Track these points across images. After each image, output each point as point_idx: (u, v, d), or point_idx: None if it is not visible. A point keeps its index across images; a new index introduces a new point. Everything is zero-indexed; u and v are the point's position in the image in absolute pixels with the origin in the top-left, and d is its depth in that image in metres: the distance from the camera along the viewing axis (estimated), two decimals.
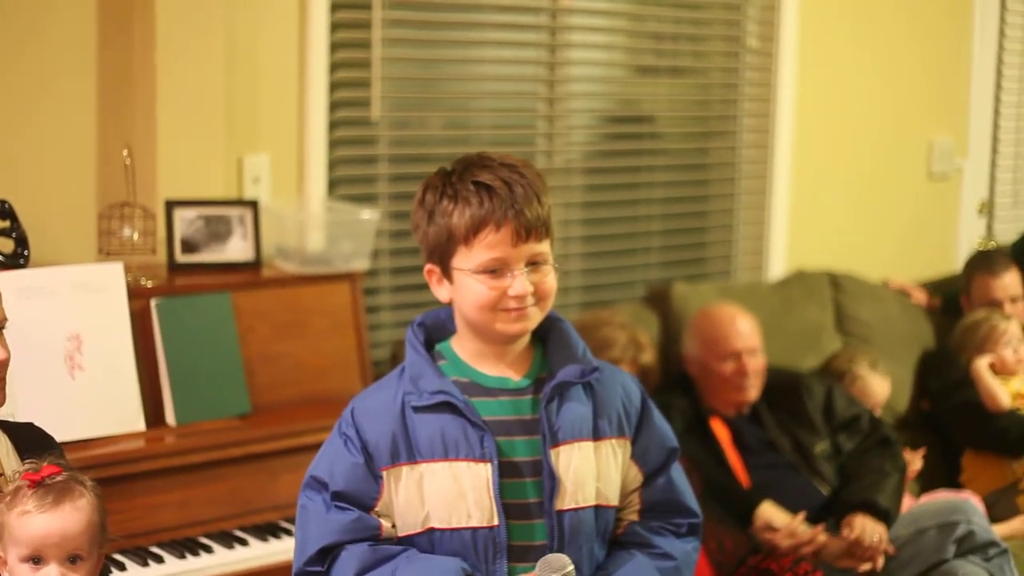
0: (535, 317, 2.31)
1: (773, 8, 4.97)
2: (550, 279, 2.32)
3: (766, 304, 4.56)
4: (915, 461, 4.14)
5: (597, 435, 2.36)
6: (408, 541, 2.30)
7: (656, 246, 4.86)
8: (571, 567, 2.23)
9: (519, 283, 2.27)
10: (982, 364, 4.49)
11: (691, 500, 2.49)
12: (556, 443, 2.30)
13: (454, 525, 2.27)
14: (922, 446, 4.42)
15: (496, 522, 2.27)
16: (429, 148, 4.27)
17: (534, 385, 2.34)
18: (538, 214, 2.28)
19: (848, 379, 4.40)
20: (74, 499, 2.27)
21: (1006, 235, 5.80)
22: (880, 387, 4.43)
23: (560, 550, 2.29)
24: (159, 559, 3.03)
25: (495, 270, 2.27)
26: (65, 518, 2.24)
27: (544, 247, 2.31)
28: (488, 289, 2.27)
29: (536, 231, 2.28)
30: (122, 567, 2.98)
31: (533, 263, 2.29)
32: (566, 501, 2.30)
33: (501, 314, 2.28)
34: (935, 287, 5.19)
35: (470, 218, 2.26)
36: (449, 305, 2.37)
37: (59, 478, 2.29)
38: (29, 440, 2.50)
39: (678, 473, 2.48)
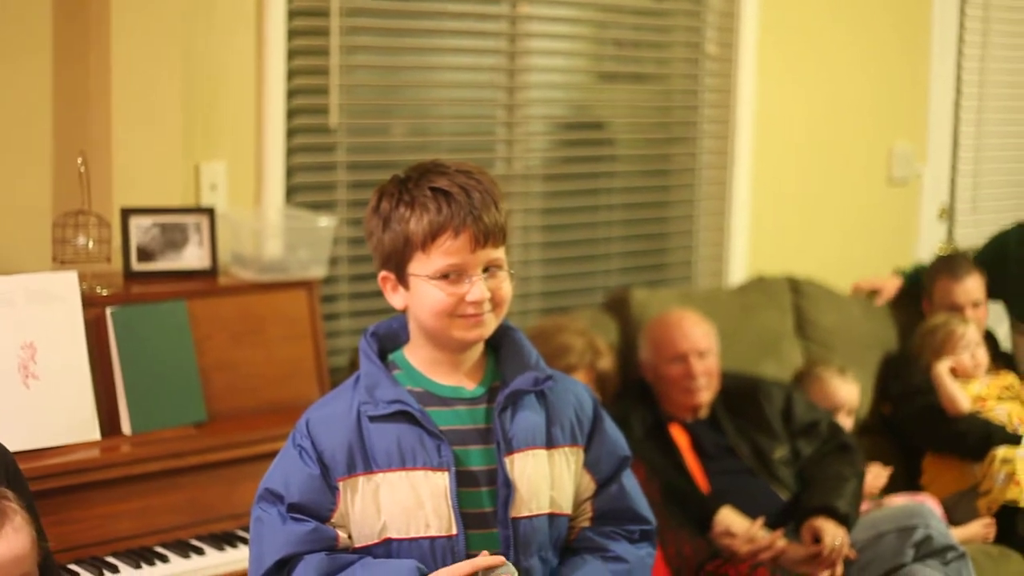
0: (491, 324, 2.31)
1: (732, 15, 4.98)
2: (506, 285, 2.32)
3: (726, 310, 4.57)
4: (881, 476, 4.15)
5: (550, 443, 2.35)
6: (365, 552, 2.28)
7: (617, 252, 4.85)
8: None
9: (477, 289, 2.26)
10: (943, 368, 4.51)
11: (643, 508, 2.48)
12: (511, 451, 2.30)
13: (412, 535, 2.26)
14: (883, 449, 4.44)
15: (455, 531, 2.26)
16: (388, 155, 4.25)
17: (488, 394, 2.34)
18: (495, 220, 2.28)
19: (808, 380, 4.42)
20: (11, 519, 2.20)
21: (966, 240, 5.83)
22: (844, 391, 4.43)
23: (516, 559, 2.28)
24: (114, 569, 2.99)
25: (452, 276, 2.26)
26: (12, 543, 2.18)
27: (501, 253, 2.31)
28: (445, 295, 2.26)
29: (494, 237, 2.28)
30: None
31: (489, 269, 2.29)
32: (521, 509, 2.29)
33: (458, 320, 2.28)
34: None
35: (428, 224, 2.26)
36: (403, 313, 2.36)
37: None
38: None
39: (630, 481, 2.48)
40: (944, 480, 4.44)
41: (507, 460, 2.29)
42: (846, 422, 4.36)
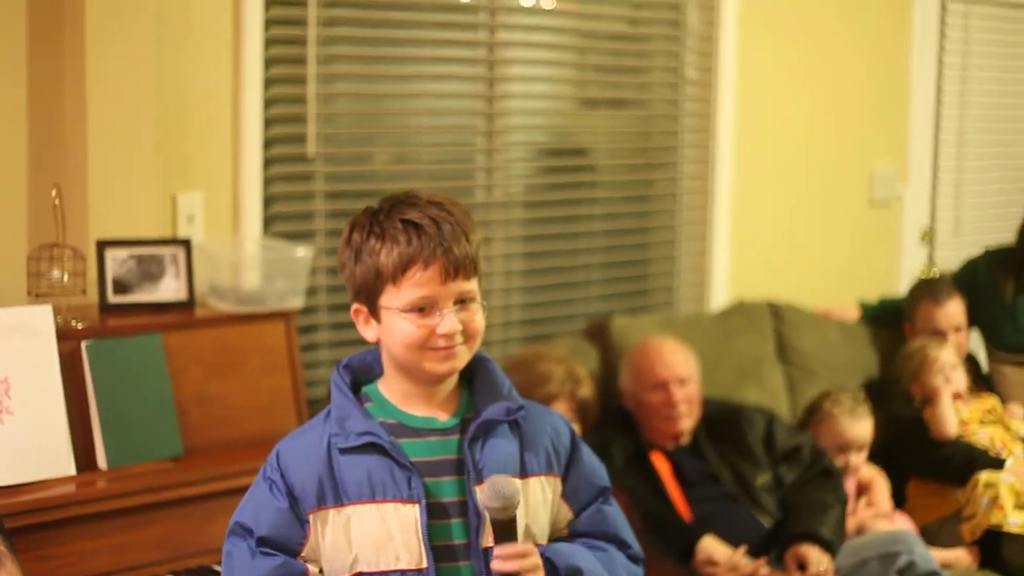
0: (463, 356, 2.29)
1: (711, 39, 4.98)
2: (478, 318, 2.30)
3: (707, 335, 4.55)
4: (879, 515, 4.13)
5: (524, 472, 2.33)
6: None
7: (598, 279, 4.84)
8: (519, 497, 2.20)
9: (448, 321, 2.25)
10: (946, 391, 4.48)
11: (627, 534, 2.45)
12: (480, 480, 2.27)
13: (382, 568, 2.24)
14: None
15: (425, 565, 2.23)
16: (366, 184, 4.24)
17: (461, 425, 2.32)
18: (466, 252, 2.27)
19: (818, 416, 4.35)
20: (3, 565, 2.17)
21: (947, 263, 5.83)
22: (855, 431, 4.30)
23: None
24: None
25: (423, 308, 2.25)
26: None
27: (472, 285, 2.29)
28: (416, 328, 2.25)
29: (464, 269, 2.27)
30: None
31: (461, 301, 2.27)
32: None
33: (429, 353, 2.26)
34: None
35: (398, 256, 2.24)
36: (376, 345, 2.35)
37: None
38: None
39: (611, 508, 2.44)
40: (928, 505, 4.43)
41: (477, 489, 2.26)
42: (857, 459, 4.29)
